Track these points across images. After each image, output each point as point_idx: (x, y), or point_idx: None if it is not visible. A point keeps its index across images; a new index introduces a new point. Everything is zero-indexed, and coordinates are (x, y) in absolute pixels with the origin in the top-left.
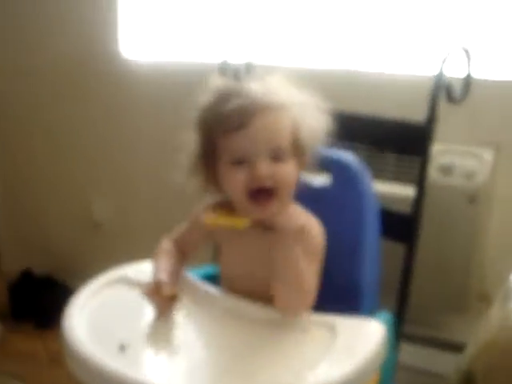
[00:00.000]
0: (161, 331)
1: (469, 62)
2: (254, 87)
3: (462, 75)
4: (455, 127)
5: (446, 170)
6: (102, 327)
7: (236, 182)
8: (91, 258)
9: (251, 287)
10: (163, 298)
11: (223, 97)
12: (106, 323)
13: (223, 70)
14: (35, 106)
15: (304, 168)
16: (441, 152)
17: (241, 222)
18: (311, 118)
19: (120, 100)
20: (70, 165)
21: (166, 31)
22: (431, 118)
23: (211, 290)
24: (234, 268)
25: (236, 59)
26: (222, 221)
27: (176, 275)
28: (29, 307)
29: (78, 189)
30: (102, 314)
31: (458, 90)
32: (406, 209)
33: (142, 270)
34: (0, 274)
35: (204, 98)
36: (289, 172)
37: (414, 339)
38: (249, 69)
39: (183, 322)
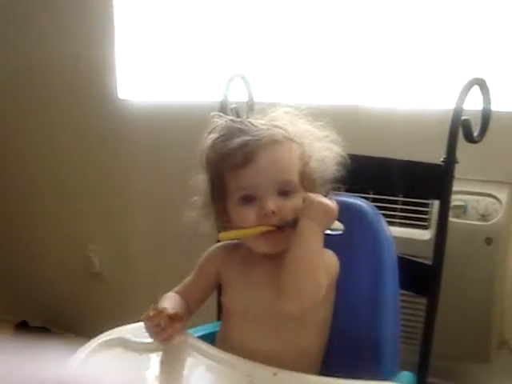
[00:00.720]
0: None
1: (487, 95)
2: (258, 122)
3: (480, 110)
4: (469, 165)
5: (460, 211)
6: None
7: (246, 220)
8: (89, 308)
9: (261, 317)
10: (166, 318)
11: (228, 133)
12: None
13: (224, 108)
14: (28, 148)
15: None
16: (453, 192)
17: (254, 230)
18: (320, 149)
19: (117, 141)
20: (66, 212)
21: (162, 72)
22: (451, 159)
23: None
24: (243, 300)
25: (236, 97)
26: (235, 233)
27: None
28: None
29: (75, 237)
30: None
31: (475, 126)
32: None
33: (140, 331)
34: None
35: (209, 137)
36: (297, 206)
37: None
38: (250, 106)
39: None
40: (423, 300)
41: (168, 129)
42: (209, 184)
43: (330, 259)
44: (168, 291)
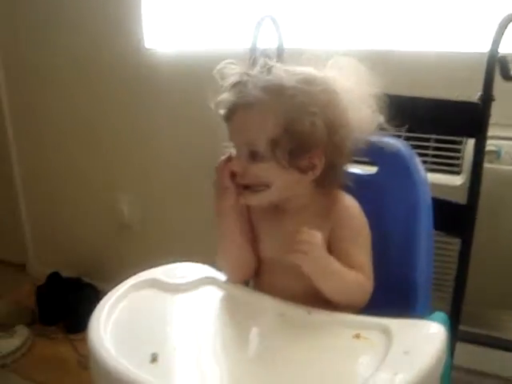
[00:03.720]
0: (194, 338)
1: None
2: (264, 76)
3: None
4: (503, 110)
5: (493, 156)
6: (130, 335)
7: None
8: (120, 259)
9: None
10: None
11: (232, 84)
12: (134, 331)
13: (253, 55)
14: (57, 99)
15: (305, 172)
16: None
17: None
18: (354, 110)
19: (144, 91)
20: (94, 164)
21: (190, 19)
22: (488, 96)
23: (245, 290)
24: (270, 251)
25: (266, 44)
26: None
27: None
28: (57, 311)
29: (105, 189)
30: (131, 320)
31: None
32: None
33: (172, 272)
34: (27, 277)
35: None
36: (258, 172)
37: (467, 339)
38: (280, 53)
39: (218, 324)
40: (457, 247)
41: (196, 78)
42: None
43: (355, 210)
44: (197, 241)
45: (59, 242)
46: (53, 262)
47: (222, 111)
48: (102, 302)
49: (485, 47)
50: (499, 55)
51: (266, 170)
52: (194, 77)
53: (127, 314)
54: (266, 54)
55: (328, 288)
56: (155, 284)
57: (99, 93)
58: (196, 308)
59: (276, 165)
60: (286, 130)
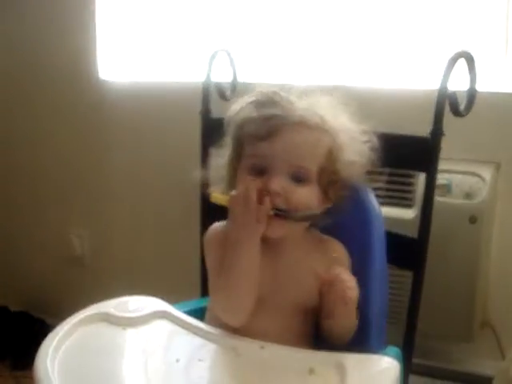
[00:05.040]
0: (143, 375)
1: (473, 68)
2: (297, 101)
3: (465, 87)
4: (453, 144)
5: (444, 190)
6: (78, 373)
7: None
8: (70, 292)
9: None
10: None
11: (261, 101)
12: (82, 368)
13: (207, 89)
14: (8, 131)
15: (330, 201)
16: (438, 171)
17: None
18: (354, 151)
19: (98, 122)
20: (46, 196)
21: (144, 51)
22: (438, 131)
23: (197, 324)
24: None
25: (220, 77)
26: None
27: None
28: (3, 347)
29: (56, 222)
30: (79, 356)
31: (462, 102)
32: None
33: (124, 306)
34: None
35: (243, 99)
36: (305, 196)
37: (420, 371)
38: (234, 87)
39: (169, 360)
40: (409, 280)
41: (150, 110)
42: (230, 146)
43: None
44: (147, 275)
45: (8, 275)
46: (1, 296)
47: (252, 127)
48: (49, 337)
49: (435, 84)
50: (449, 91)
51: (309, 195)
52: (149, 108)
53: (76, 349)
54: (219, 88)
55: (343, 328)
56: (106, 318)
57: (53, 124)
58: (146, 343)
59: (318, 191)
60: (331, 157)
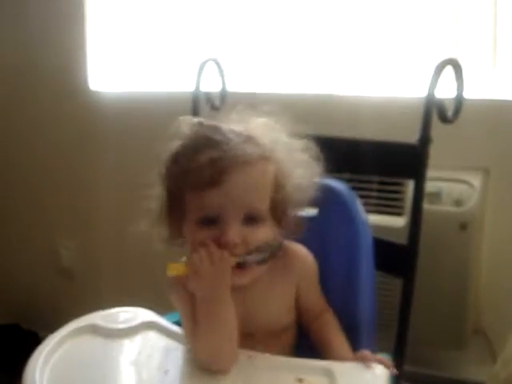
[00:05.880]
0: None
1: (460, 75)
2: (233, 133)
3: (453, 94)
4: (442, 152)
5: (434, 197)
6: (68, 383)
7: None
8: (59, 304)
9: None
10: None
11: (195, 144)
12: (71, 379)
13: (196, 98)
14: None
15: (285, 228)
16: (428, 179)
17: None
18: (299, 172)
19: (88, 133)
20: (35, 208)
21: (135, 62)
22: (425, 138)
23: None
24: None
25: (210, 87)
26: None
27: None
28: None
29: (45, 234)
30: (69, 367)
31: (449, 109)
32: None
33: (113, 317)
34: None
35: (173, 145)
36: (262, 237)
37: (411, 378)
38: (223, 97)
39: (157, 371)
40: (399, 287)
41: (140, 120)
42: (166, 198)
43: (310, 258)
44: (136, 286)
45: None
46: None
47: (194, 176)
48: (38, 350)
49: (423, 92)
50: (436, 98)
51: (266, 234)
52: (139, 119)
53: (65, 361)
54: (209, 97)
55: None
56: (95, 329)
57: (42, 135)
58: (136, 354)
59: (272, 224)
60: (278, 184)
